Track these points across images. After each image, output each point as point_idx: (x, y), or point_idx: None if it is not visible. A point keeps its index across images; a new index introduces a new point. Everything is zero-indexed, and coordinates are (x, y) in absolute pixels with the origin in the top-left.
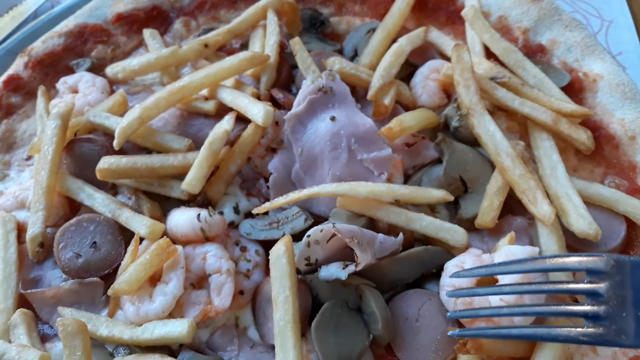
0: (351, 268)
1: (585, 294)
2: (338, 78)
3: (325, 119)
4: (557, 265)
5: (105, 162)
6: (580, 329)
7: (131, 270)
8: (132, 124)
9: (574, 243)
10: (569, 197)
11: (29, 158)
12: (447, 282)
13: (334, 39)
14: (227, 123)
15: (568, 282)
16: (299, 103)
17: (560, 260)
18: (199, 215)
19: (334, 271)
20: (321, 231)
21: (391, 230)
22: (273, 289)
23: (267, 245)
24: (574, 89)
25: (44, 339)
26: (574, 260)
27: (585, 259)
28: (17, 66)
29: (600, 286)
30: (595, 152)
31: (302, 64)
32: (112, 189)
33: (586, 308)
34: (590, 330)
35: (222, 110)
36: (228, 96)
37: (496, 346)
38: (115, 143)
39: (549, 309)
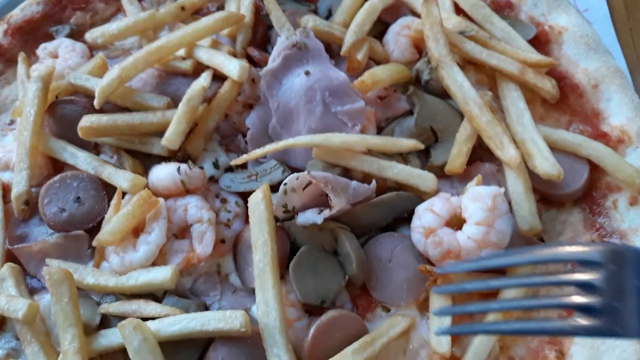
0: (326, 212)
1: (578, 285)
2: (312, 35)
3: (300, 74)
4: (548, 257)
5: (87, 121)
6: (573, 322)
7: (114, 221)
8: (111, 83)
9: (539, 186)
10: (534, 141)
11: (11, 122)
12: (418, 224)
13: (309, 0)
14: (204, 80)
15: (559, 273)
16: (274, 59)
17: (552, 250)
18: (178, 168)
19: (310, 216)
20: (297, 179)
21: (365, 179)
22: (252, 234)
23: (246, 197)
24: (541, 42)
25: (32, 292)
26: (566, 250)
27: (578, 249)
28: None
29: (595, 277)
30: (560, 101)
31: (277, 23)
32: (94, 149)
33: (580, 300)
34: (584, 323)
35: (199, 69)
36: (204, 55)
37: None
38: (95, 102)
39: (540, 302)
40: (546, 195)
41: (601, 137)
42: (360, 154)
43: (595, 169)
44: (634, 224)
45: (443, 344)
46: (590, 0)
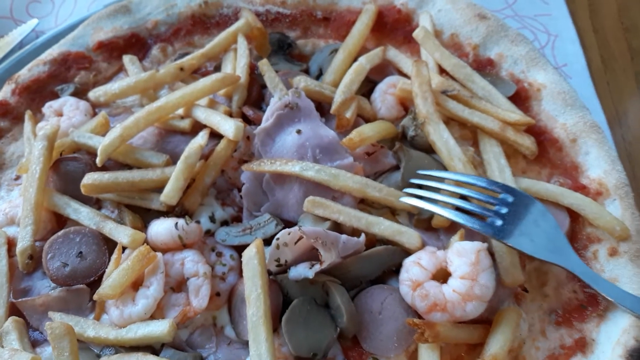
0: (317, 267)
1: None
2: (303, 95)
3: (291, 132)
4: (482, 182)
5: (89, 178)
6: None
7: (114, 276)
8: (113, 142)
9: None
10: None
11: (17, 178)
12: (406, 277)
13: (301, 59)
14: (201, 139)
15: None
16: (268, 118)
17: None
18: (176, 223)
19: (302, 271)
20: (289, 234)
21: (355, 232)
22: (246, 288)
23: (241, 250)
24: (521, 98)
25: (34, 344)
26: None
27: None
28: (4, 93)
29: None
30: (541, 155)
31: (270, 83)
32: (96, 204)
33: (495, 208)
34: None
35: (197, 127)
36: (202, 114)
37: (452, 333)
38: (97, 160)
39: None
40: None
41: (581, 189)
42: (349, 209)
43: (575, 220)
44: (613, 274)
45: None
46: (569, 55)
